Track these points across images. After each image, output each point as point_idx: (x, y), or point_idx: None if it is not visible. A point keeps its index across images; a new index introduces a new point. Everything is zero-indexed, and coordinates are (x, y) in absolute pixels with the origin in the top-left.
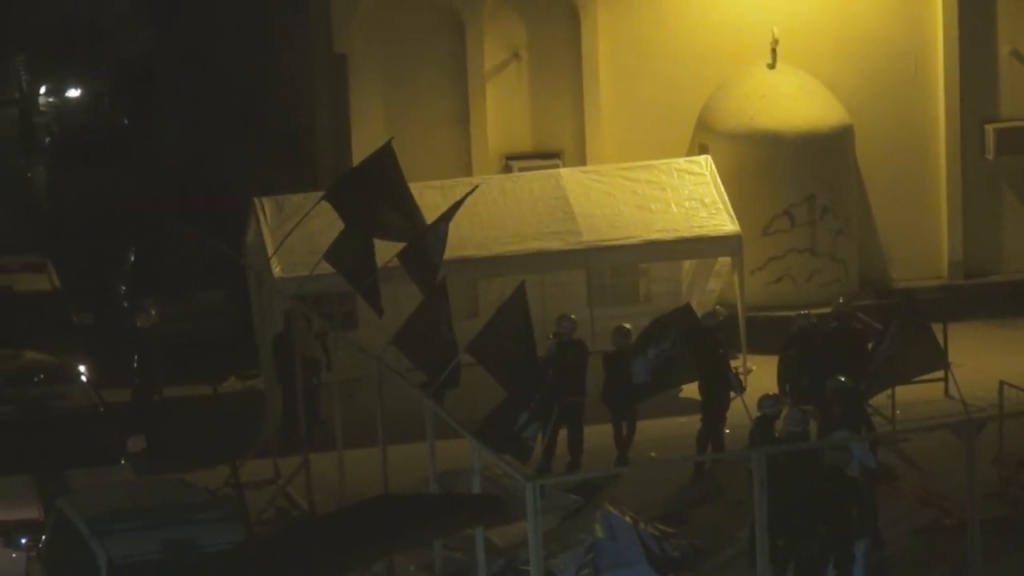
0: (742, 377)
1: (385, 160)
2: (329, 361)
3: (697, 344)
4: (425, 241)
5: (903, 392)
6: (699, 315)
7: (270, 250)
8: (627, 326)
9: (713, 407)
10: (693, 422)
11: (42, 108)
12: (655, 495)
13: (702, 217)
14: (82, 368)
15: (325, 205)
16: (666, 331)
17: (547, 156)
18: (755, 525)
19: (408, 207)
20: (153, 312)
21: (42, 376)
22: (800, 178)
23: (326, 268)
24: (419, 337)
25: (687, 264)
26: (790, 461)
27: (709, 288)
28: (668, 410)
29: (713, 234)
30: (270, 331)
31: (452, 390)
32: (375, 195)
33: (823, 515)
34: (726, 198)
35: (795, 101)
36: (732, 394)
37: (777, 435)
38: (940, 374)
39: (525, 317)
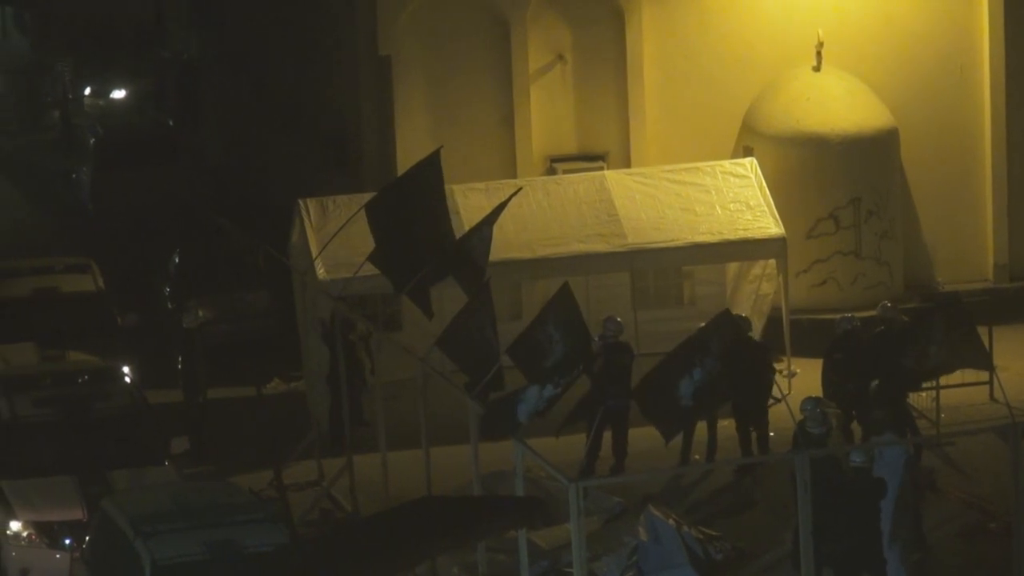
0: (787, 380)
1: (429, 171)
2: (373, 365)
3: (738, 354)
4: (469, 243)
5: (948, 396)
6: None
7: (314, 252)
8: None
9: (747, 409)
10: (734, 425)
11: (87, 109)
12: (698, 497)
13: (747, 220)
14: (126, 369)
15: None
16: (708, 345)
17: (591, 158)
18: (799, 528)
19: (442, 225)
20: (199, 313)
21: (86, 377)
22: (845, 181)
23: (370, 270)
24: (463, 339)
25: (733, 266)
26: (820, 465)
27: (762, 292)
28: None
29: (758, 237)
30: (314, 333)
31: (496, 393)
32: (413, 208)
33: (850, 518)
34: (771, 201)
35: (840, 103)
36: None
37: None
38: (985, 377)
39: (576, 312)
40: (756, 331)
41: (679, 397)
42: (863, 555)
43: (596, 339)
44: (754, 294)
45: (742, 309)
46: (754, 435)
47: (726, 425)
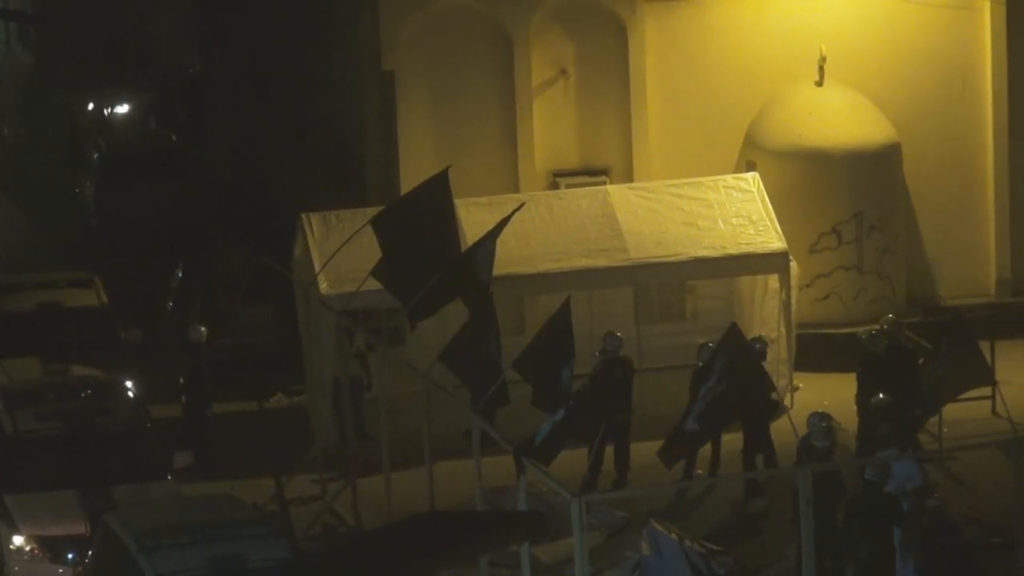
0: (789, 395)
1: (438, 189)
2: (370, 381)
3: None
4: (473, 258)
5: (950, 410)
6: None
7: (317, 266)
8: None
9: (753, 424)
10: (738, 439)
11: (91, 124)
12: (701, 512)
13: (749, 234)
14: (129, 384)
15: None
16: (713, 365)
17: (594, 173)
18: (801, 543)
19: (450, 245)
20: (203, 328)
21: (89, 392)
22: (847, 195)
23: (373, 284)
24: (466, 354)
25: (748, 282)
26: (823, 479)
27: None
28: None
29: (760, 251)
30: (317, 347)
31: (502, 408)
32: (420, 225)
33: (862, 534)
34: (773, 215)
35: (843, 118)
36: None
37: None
38: (988, 392)
39: (567, 333)
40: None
41: (685, 420)
42: (876, 572)
43: (597, 354)
44: (778, 308)
45: (771, 324)
46: (760, 457)
47: (729, 440)
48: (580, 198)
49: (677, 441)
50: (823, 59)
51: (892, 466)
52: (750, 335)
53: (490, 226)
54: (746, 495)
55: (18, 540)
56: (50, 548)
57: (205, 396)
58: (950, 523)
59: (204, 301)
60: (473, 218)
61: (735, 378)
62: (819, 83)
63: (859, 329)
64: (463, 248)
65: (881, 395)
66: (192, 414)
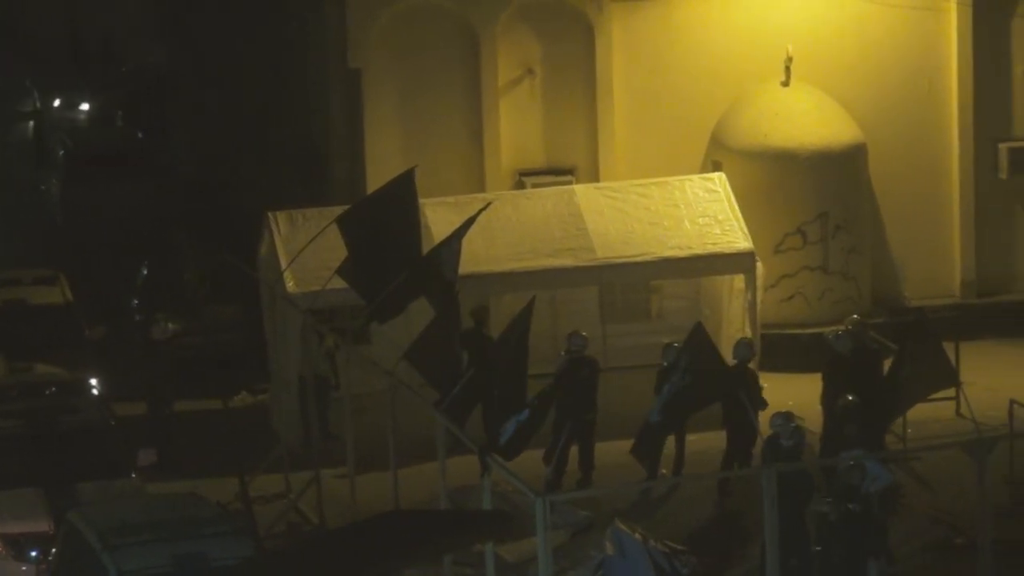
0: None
1: (404, 189)
2: (337, 380)
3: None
4: (439, 257)
5: (914, 410)
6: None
7: (283, 264)
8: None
9: (738, 431)
10: (705, 439)
11: (56, 122)
12: (666, 512)
13: (715, 234)
14: (93, 381)
15: None
16: (678, 361)
17: (560, 172)
18: (765, 542)
19: (412, 245)
20: (169, 325)
21: (53, 389)
22: (813, 196)
23: (339, 283)
24: (431, 352)
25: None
26: (793, 478)
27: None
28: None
29: (726, 251)
30: (283, 345)
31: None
32: (386, 225)
33: (835, 534)
34: (739, 215)
35: (809, 119)
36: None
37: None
38: (952, 393)
39: (524, 333)
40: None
41: (648, 413)
42: (846, 571)
43: (562, 354)
44: (743, 308)
45: (737, 324)
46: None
47: (694, 440)
48: (546, 198)
49: (645, 436)
50: (789, 59)
51: (867, 468)
52: (716, 335)
53: (456, 225)
54: (720, 496)
55: None
56: (14, 546)
57: (169, 394)
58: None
59: (169, 299)
60: (440, 217)
61: (700, 374)
62: (785, 83)
63: (824, 329)
64: (429, 247)
65: (849, 396)
66: (156, 412)
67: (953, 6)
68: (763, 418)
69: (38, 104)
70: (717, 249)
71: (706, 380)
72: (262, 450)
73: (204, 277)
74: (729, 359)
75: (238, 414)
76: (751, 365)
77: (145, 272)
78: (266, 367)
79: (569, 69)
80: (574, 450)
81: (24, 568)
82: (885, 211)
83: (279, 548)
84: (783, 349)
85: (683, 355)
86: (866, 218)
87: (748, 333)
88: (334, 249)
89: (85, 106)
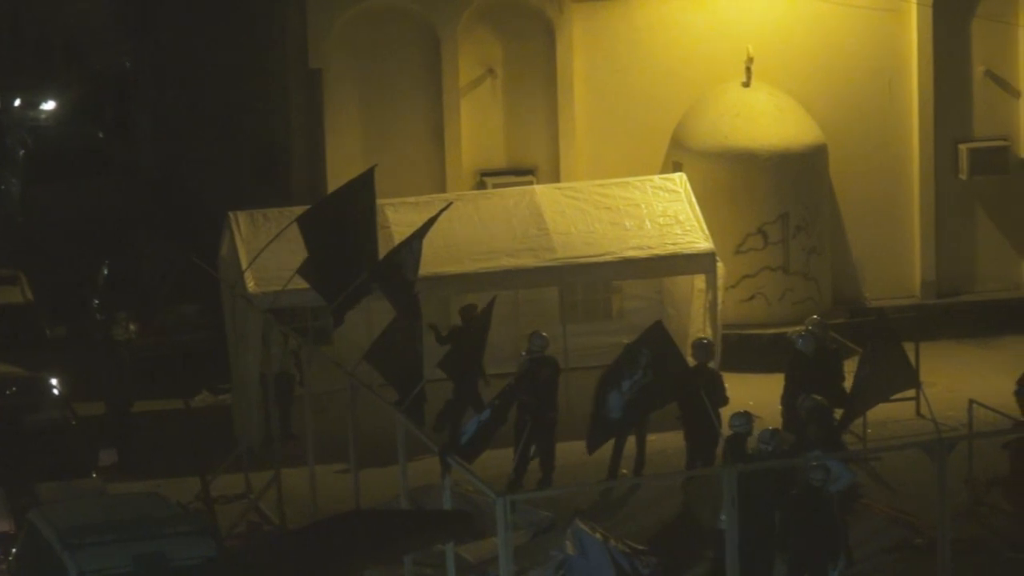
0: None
1: (362, 188)
2: (301, 377)
3: (671, 366)
4: (399, 257)
5: (874, 411)
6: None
7: (244, 264)
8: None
9: (697, 434)
10: (664, 439)
11: (17, 121)
12: (626, 512)
13: (676, 234)
14: (54, 381)
15: None
16: (638, 357)
17: (521, 172)
18: (726, 542)
19: (369, 244)
20: (131, 326)
21: (14, 389)
22: (773, 196)
23: (300, 283)
24: (391, 353)
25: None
26: (756, 480)
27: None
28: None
29: (687, 252)
30: (243, 345)
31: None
32: (346, 225)
33: (797, 535)
34: (700, 216)
35: (769, 119)
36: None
37: (750, 452)
38: (912, 393)
39: (482, 331)
40: (716, 342)
41: (608, 410)
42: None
43: (523, 354)
44: (704, 308)
45: (698, 324)
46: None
47: (654, 440)
48: (507, 198)
49: (600, 429)
50: (750, 60)
51: (831, 468)
52: (676, 335)
53: (418, 226)
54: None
55: None
56: None
57: (129, 394)
58: None
59: (130, 299)
60: (401, 218)
61: (662, 372)
62: (746, 84)
63: (784, 330)
64: (390, 248)
65: (813, 396)
66: (116, 412)
67: (913, 7)
68: (723, 418)
69: None
70: (678, 249)
71: (667, 379)
72: (224, 450)
73: (165, 277)
74: (690, 360)
75: (199, 414)
76: (711, 365)
77: (106, 272)
78: (227, 367)
79: (530, 69)
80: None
81: None
82: (846, 212)
83: (240, 548)
84: (744, 349)
85: (643, 352)
86: (826, 219)
87: (709, 333)
88: (295, 250)
89: (47, 105)
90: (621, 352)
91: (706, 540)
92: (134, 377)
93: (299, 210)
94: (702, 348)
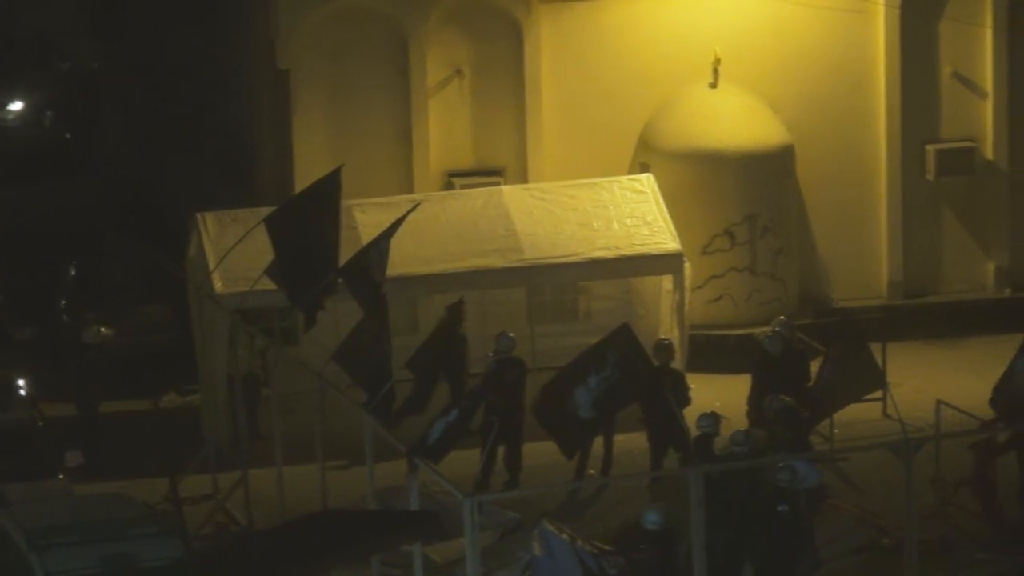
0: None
1: (329, 188)
2: (267, 377)
3: (638, 367)
4: (367, 258)
5: (841, 411)
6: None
7: (211, 265)
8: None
9: (661, 435)
10: (630, 440)
11: None
12: (594, 513)
13: (644, 235)
14: (21, 382)
15: None
16: (605, 356)
17: (489, 173)
18: (692, 544)
19: (333, 244)
20: (102, 330)
21: None
22: (741, 197)
23: (268, 283)
24: (359, 353)
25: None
26: (730, 481)
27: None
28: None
29: (654, 252)
30: (211, 346)
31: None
32: (313, 225)
33: (765, 536)
34: (668, 217)
35: (736, 121)
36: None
37: (718, 453)
38: (879, 394)
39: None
40: (683, 343)
41: (577, 407)
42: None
43: (490, 355)
44: (671, 308)
45: (666, 325)
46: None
47: (621, 440)
48: (475, 198)
49: (571, 430)
50: (717, 61)
51: (798, 468)
52: (644, 336)
53: (385, 226)
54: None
55: None
56: None
57: (97, 396)
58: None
59: (97, 299)
60: (368, 218)
61: (629, 372)
62: (713, 85)
63: (751, 331)
64: (358, 249)
65: (782, 397)
66: (84, 413)
67: (881, 9)
68: (690, 418)
69: None
70: (645, 250)
71: (634, 379)
72: (192, 451)
73: (132, 278)
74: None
75: (168, 415)
76: (675, 365)
77: (73, 272)
78: (194, 368)
79: (498, 70)
80: (501, 450)
81: None
82: (813, 212)
83: (208, 549)
84: (711, 350)
85: (610, 351)
86: (794, 219)
87: (676, 334)
88: (263, 250)
89: (14, 106)
90: (585, 350)
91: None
92: (103, 379)
93: (267, 210)
94: (663, 349)
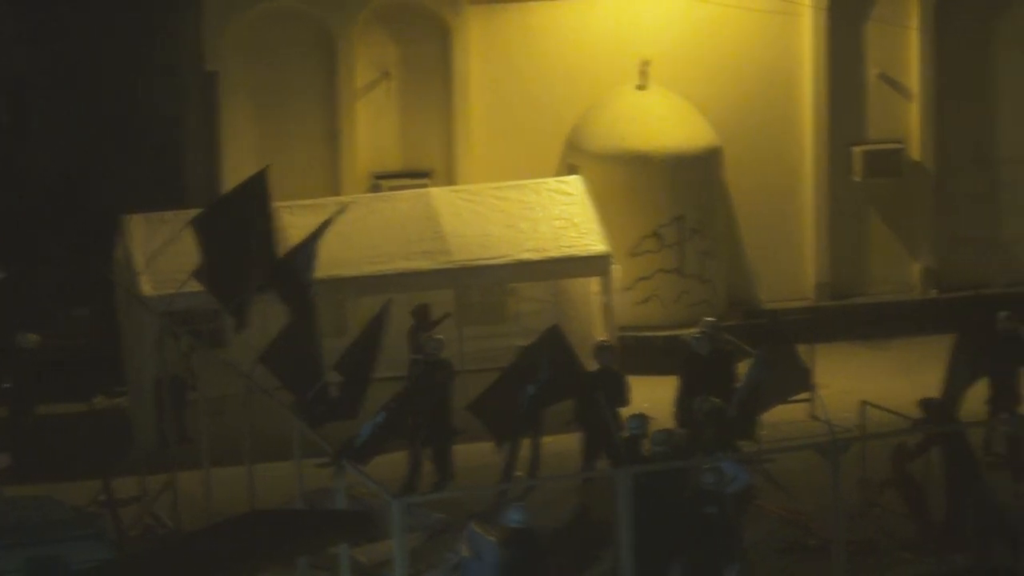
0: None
1: (256, 188)
2: (194, 380)
3: (569, 367)
4: (294, 260)
5: (768, 412)
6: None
7: (138, 267)
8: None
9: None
10: (559, 441)
11: None
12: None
13: (572, 237)
14: None
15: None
16: (538, 360)
17: (416, 175)
18: (620, 545)
19: (267, 243)
20: (31, 336)
21: None
22: (668, 199)
23: (196, 285)
24: (287, 355)
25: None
26: (657, 482)
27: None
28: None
29: (582, 254)
30: (138, 348)
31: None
32: (240, 225)
33: (693, 538)
34: (596, 218)
35: (664, 122)
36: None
37: (645, 454)
38: (806, 395)
39: (377, 336)
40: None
41: (517, 407)
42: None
43: (419, 358)
44: (600, 310)
45: (595, 326)
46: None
47: (550, 442)
48: (402, 200)
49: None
50: (645, 64)
51: (724, 469)
52: (573, 337)
53: (313, 229)
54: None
55: None
56: None
57: (27, 399)
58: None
59: (27, 303)
60: (296, 221)
61: (559, 373)
62: (641, 87)
63: (680, 332)
64: (285, 250)
65: (711, 398)
66: (14, 416)
67: (808, 11)
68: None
69: None
70: (573, 252)
71: (563, 379)
72: (120, 453)
73: (60, 280)
74: (591, 363)
75: (96, 417)
76: (615, 367)
77: (2, 276)
78: (123, 370)
79: (426, 72)
80: (429, 452)
81: None
82: (740, 214)
83: (136, 551)
84: (640, 351)
85: (542, 355)
86: (721, 221)
87: (605, 336)
88: (191, 252)
89: None
90: (518, 356)
91: (602, 541)
92: (36, 383)
93: (195, 212)
94: (604, 351)
